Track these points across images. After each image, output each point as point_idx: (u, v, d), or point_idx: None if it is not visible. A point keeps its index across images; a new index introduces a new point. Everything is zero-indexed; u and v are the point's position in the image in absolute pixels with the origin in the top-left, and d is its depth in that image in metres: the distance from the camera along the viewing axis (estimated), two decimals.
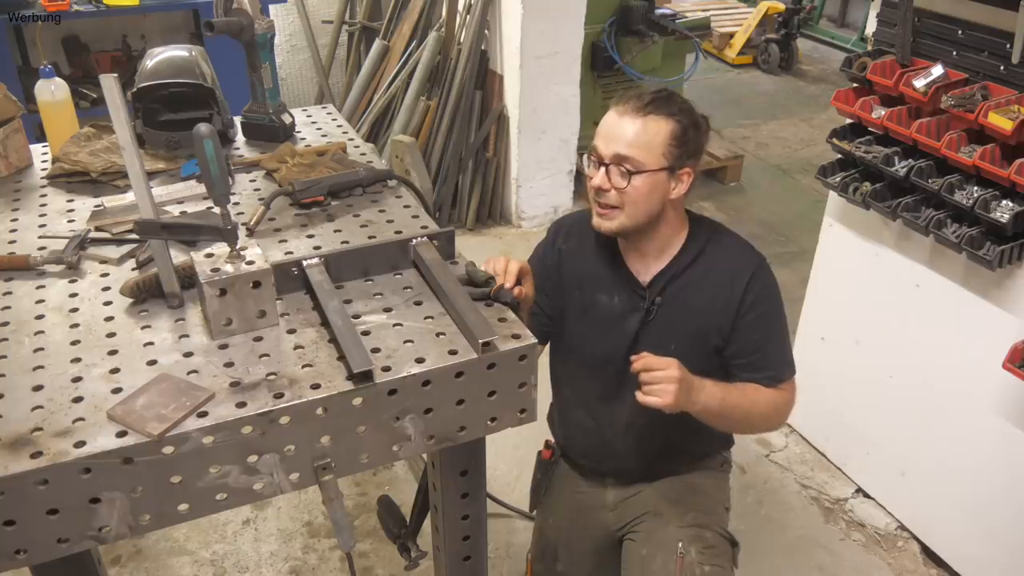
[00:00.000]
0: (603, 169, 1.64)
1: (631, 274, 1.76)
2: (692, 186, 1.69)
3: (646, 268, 1.76)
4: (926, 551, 2.50)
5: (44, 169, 1.90)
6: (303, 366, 1.25)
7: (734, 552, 1.80)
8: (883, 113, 2.27)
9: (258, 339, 1.31)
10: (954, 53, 2.18)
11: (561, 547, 1.98)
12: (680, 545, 1.71)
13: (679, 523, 1.76)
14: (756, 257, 1.75)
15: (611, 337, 1.77)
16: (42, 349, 1.29)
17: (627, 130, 1.61)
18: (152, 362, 1.26)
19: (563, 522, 1.97)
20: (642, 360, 1.53)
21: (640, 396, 1.52)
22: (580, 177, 4.36)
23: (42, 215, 1.71)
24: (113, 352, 1.28)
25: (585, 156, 1.70)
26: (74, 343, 1.30)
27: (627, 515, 1.87)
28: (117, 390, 1.19)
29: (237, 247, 1.33)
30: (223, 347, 1.30)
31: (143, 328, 1.34)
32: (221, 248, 1.35)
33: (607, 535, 1.90)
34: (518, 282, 1.48)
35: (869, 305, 2.54)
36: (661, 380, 1.50)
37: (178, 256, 1.45)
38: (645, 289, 1.75)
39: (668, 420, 1.60)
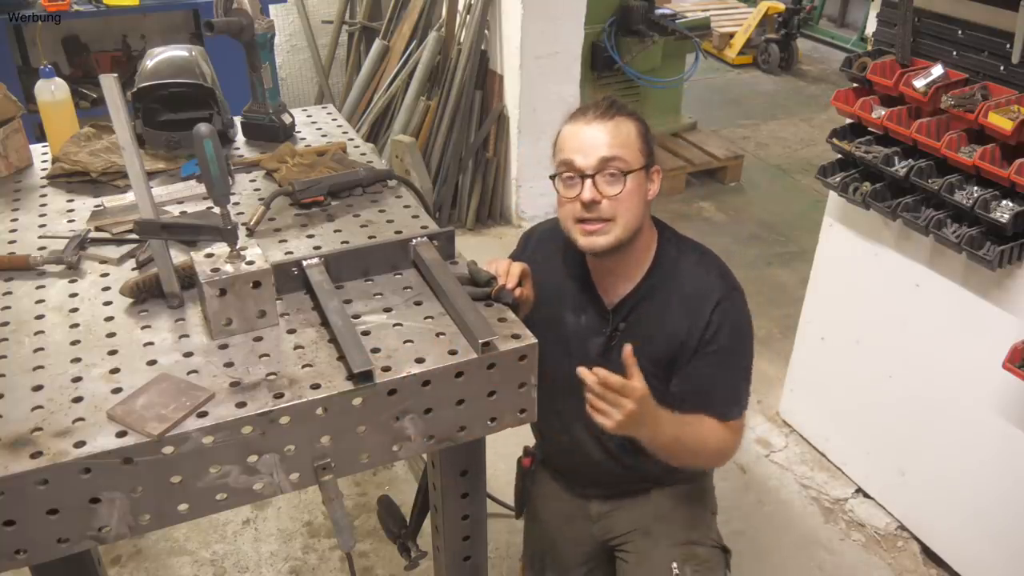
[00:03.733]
0: (588, 182, 1.57)
1: (598, 295, 1.72)
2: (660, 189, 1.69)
3: (614, 289, 1.70)
4: (926, 551, 2.50)
5: (44, 169, 1.90)
6: (303, 366, 1.25)
7: (726, 558, 1.79)
8: (883, 113, 2.26)
9: (258, 339, 1.31)
10: (954, 53, 2.18)
11: (549, 555, 1.96)
12: (675, 566, 1.70)
13: (670, 542, 1.74)
14: (725, 284, 1.68)
15: (577, 357, 1.69)
16: (42, 349, 1.29)
17: (602, 134, 1.57)
18: (152, 362, 1.26)
19: (549, 530, 1.95)
20: (600, 375, 1.43)
21: (589, 409, 1.46)
22: None
23: (42, 215, 1.71)
24: (113, 352, 1.28)
25: (555, 179, 1.62)
26: (74, 343, 1.30)
27: (613, 528, 1.84)
28: (117, 390, 1.19)
29: (237, 247, 1.34)
30: (223, 347, 1.30)
31: (143, 328, 1.34)
32: (221, 248, 1.35)
33: (594, 544, 1.88)
34: (519, 284, 1.48)
35: (869, 305, 2.54)
36: (614, 404, 1.44)
37: (178, 256, 1.45)
38: (610, 313, 1.70)
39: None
